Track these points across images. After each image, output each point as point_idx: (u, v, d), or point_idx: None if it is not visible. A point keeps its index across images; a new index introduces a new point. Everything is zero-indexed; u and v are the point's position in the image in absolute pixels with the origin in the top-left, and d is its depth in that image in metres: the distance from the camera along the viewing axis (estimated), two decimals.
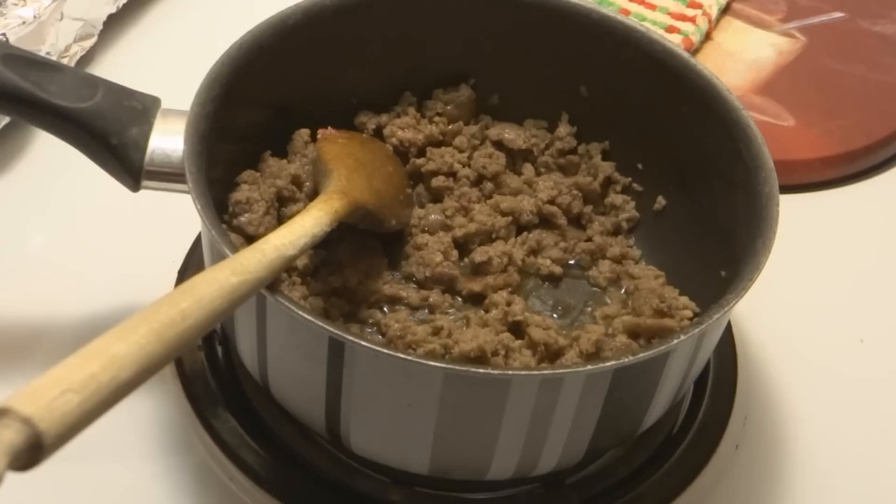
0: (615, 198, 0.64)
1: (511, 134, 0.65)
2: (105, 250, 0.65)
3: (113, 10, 0.78)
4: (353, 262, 0.58)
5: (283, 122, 0.61)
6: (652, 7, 0.85)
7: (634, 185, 0.64)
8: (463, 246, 0.61)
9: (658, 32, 0.61)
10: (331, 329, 0.45)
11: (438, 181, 0.63)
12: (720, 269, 0.55)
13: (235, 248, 0.48)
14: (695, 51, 0.82)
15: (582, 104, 0.64)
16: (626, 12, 0.84)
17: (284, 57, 0.58)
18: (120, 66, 0.77)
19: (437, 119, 0.65)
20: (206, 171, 0.51)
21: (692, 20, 0.83)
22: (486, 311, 0.58)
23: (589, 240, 0.63)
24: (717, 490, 0.57)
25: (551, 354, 0.54)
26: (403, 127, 0.64)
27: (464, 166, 0.64)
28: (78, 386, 0.33)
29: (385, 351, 0.45)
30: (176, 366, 0.59)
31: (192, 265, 0.64)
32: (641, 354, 0.46)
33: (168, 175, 0.54)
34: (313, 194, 0.58)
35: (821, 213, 0.74)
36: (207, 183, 0.50)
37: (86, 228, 0.67)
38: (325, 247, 0.58)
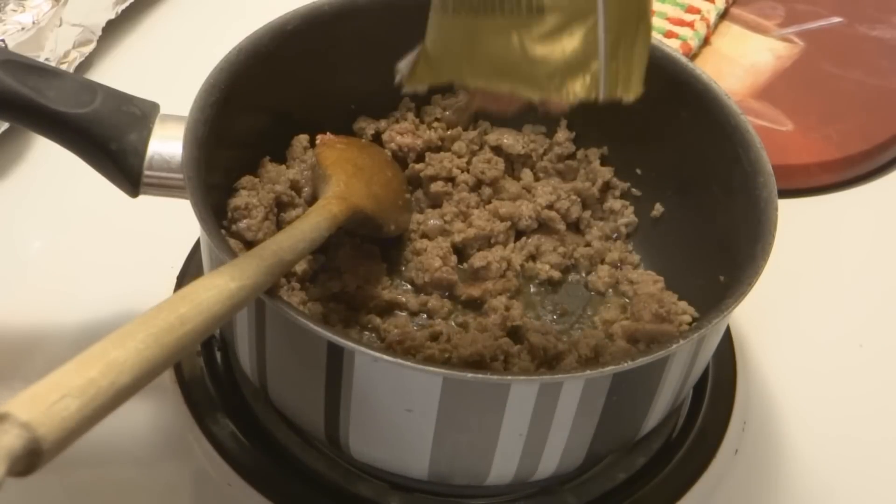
0: (614, 203, 0.64)
1: (509, 139, 0.65)
2: (104, 256, 0.65)
3: (112, 15, 0.78)
4: (351, 268, 0.58)
5: (282, 128, 0.61)
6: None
7: (633, 190, 0.64)
8: (462, 251, 0.61)
9: (656, 37, 0.61)
10: (330, 334, 0.45)
11: (437, 186, 0.63)
12: (719, 274, 0.55)
13: (234, 254, 0.48)
14: (693, 56, 0.83)
15: (580, 109, 0.64)
16: None
17: (283, 62, 0.58)
18: (119, 72, 0.77)
19: (435, 124, 0.65)
20: (205, 177, 0.51)
21: (690, 25, 0.83)
22: (485, 317, 0.58)
23: (588, 245, 0.63)
24: (715, 495, 0.57)
25: (550, 359, 0.54)
26: (402, 132, 0.64)
27: (462, 171, 0.64)
28: (77, 391, 0.33)
29: (384, 356, 0.45)
30: (175, 371, 0.59)
31: (190, 271, 0.64)
32: (640, 359, 0.46)
33: (167, 181, 0.54)
34: (312, 200, 0.58)
35: (819, 218, 0.74)
36: (206, 188, 0.50)
37: (84, 234, 0.67)
38: (324, 252, 0.58)
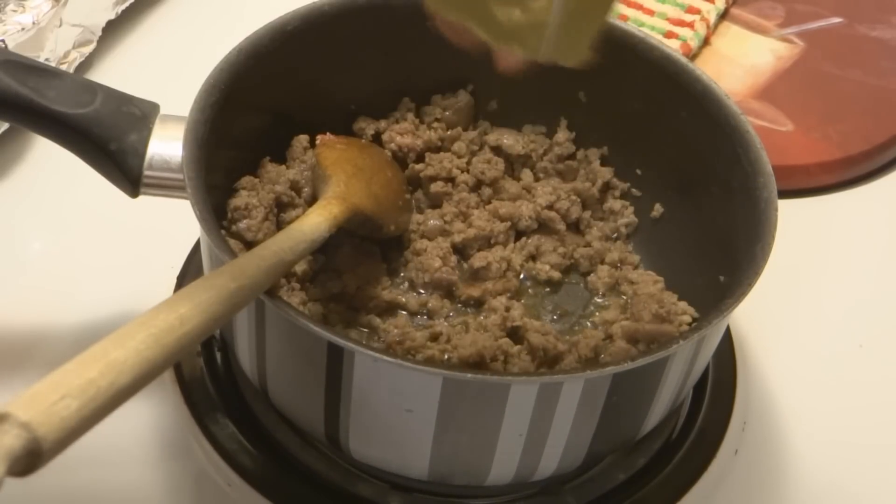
0: (614, 203, 0.64)
1: (510, 139, 0.65)
2: (104, 256, 0.65)
3: (112, 16, 0.78)
4: (351, 268, 0.58)
5: (282, 128, 0.61)
6: (650, 12, 0.85)
7: (633, 190, 0.64)
8: (462, 251, 0.61)
9: (656, 38, 0.61)
10: (330, 335, 0.45)
11: (437, 186, 0.63)
12: (719, 274, 0.55)
13: (234, 254, 0.48)
14: (693, 56, 0.83)
15: (580, 110, 0.64)
16: (625, 18, 0.84)
17: (283, 63, 0.58)
18: (119, 72, 0.77)
19: (435, 125, 0.65)
20: (205, 177, 0.51)
21: (690, 25, 0.83)
22: (485, 317, 0.58)
23: (588, 245, 0.63)
24: (716, 495, 0.57)
25: (550, 359, 0.54)
26: (402, 132, 0.64)
27: (462, 172, 0.64)
28: (76, 391, 0.33)
29: (384, 357, 0.45)
30: (175, 371, 0.59)
31: (190, 271, 0.64)
32: (640, 360, 0.46)
33: (167, 181, 0.54)
34: (312, 200, 0.58)
35: (819, 218, 0.74)
36: (206, 189, 0.50)
37: (84, 234, 0.67)
38: (324, 252, 0.58)
